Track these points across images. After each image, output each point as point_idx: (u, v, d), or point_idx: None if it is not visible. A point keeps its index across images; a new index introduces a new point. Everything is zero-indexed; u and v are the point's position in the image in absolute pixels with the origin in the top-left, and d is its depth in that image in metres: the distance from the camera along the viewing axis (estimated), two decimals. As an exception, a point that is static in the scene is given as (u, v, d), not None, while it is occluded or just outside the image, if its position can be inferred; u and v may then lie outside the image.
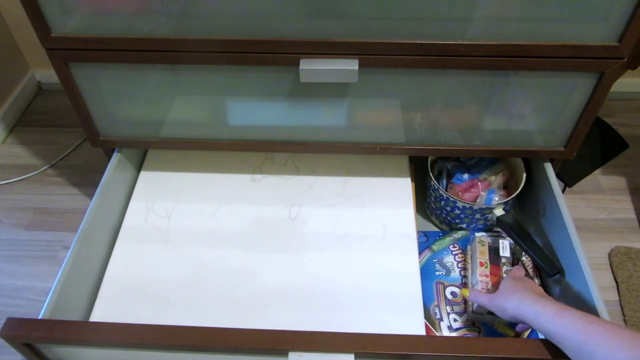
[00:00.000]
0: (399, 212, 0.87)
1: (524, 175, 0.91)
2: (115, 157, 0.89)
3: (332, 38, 0.68)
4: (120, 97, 0.79)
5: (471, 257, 0.86)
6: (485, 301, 0.71)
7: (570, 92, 0.73)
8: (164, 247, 0.83)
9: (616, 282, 1.01)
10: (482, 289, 0.79)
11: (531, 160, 0.93)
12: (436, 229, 0.99)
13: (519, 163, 0.93)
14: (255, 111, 0.79)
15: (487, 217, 0.90)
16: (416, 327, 0.73)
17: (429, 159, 0.96)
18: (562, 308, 0.58)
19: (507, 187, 0.95)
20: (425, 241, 0.93)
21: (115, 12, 0.67)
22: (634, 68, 0.84)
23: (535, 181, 0.90)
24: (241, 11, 0.66)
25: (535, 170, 0.91)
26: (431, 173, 0.94)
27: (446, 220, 0.95)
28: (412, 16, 0.65)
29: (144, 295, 0.77)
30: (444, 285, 0.85)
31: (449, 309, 0.82)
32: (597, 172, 1.22)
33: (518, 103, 0.76)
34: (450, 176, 0.96)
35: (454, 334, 0.79)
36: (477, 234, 0.88)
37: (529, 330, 0.78)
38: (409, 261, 0.80)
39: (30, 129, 1.39)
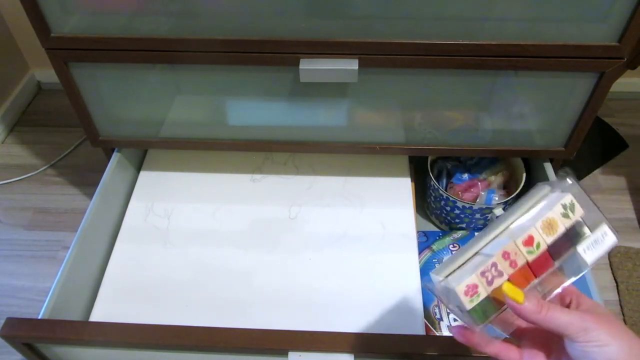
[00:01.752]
0: (398, 212, 0.87)
1: (524, 175, 0.91)
2: (115, 157, 0.89)
3: (332, 38, 0.68)
4: (120, 97, 0.79)
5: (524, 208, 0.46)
6: (567, 320, 0.39)
7: (570, 92, 0.73)
8: (163, 247, 0.83)
9: (616, 282, 1.01)
10: (483, 277, 0.43)
11: (531, 160, 0.93)
12: (436, 229, 0.99)
13: (519, 163, 0.93)
14: (255, 111, 0.79)
15: (487, 217, 0.90)
16: (416, 327, 0.73)
17: (429, 159, 0.96)
18: None
19: (507, 187, 0.95)
20: (425, 241, 0.93)
21: (115, 12, 0.67)
22: (634, 68, 0.85)
23: (535, 181, 0.90)
24: (241, 11, 0.66)
25: (535, 170, 0.91)
26: (431, 173, 0.94)
27: (446, 220, 0.95)
28: (412, 16, 0.65)
29: (144, 295, 0.77)
30: (443, 285, 0.85)
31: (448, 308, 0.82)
32: (597, 172, 1.22)
33: (518, 103, 0.76)
34: (450, 176, 0.96)
35: (453, 334, 0.79)
36: (564, 194, 0.45)
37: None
38: (409, 261, 0.80)
39: (30, 129, 1.39)
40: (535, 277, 0.44)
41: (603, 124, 1.16)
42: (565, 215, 0.44)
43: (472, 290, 0.42)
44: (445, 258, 0.42)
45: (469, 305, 0.42)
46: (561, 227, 0.44)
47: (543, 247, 0.43)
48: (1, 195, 1.22)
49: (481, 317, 0.43)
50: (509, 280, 0.43)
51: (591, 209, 0.45)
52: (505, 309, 0.44)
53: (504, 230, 0.45)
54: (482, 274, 0.42)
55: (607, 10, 0.63)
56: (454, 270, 0.44)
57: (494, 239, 0.45)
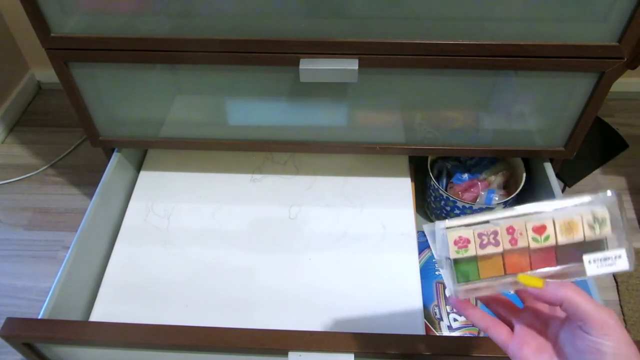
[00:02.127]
0: (398, 212, 0.87)
1: (524, 175, 0.91)
2: (115, 157, 0.89)
3: (332, 38, 0.67)
4: (120, 97, 0.79)
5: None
6: (591, 309, 0.38)
7: (570, 92, 0.73)
8: (163, 247, 0.83)
9: (616, 282, 1.01)
10: (479, 238, 0.43)
11: (531, 160, 0.93)
12: (436, 229, 0.99)
13: (519, 163, 0.93)
14: (255, 111, 0.79)
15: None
16: (416, 327, 0.73)
17: (429, 159, 0.96)
18: None
19: (507, 187, 0.95)
20: (425, 241, 0.93)
21: (115, 12, 0.67)
22: (634, 68, 0.85)
23: (535, 181, 0.90)
24: (241, 11, 0.66)
25: (535, 170, 0.91)
26: (431, 173, 0.94)
27: (446, 220, 0.95)
28: (412, 16, 0.65)
29: (144, 295, 0.77)
30: (443, 285, 0.85)
31: (448, 308, 0.82)
32: (596, 171, 1.22)
33: (518, 103, 0.76)
34: (450, 176, 0.96)
35: (453, 334, 0.79)
36: (601, 206, 0.43)
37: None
38: (409, 261, 0.80)
39: (30, 129, 1.39)
40: (531, 269, 0.43)
41: (603, 124, 1.16)
42: (591, 227, 0.42)
43: (463, 242, 0.42)
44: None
45: (453, 255, 0.42)
46: (580, 235, 0.41)
47: (551, 242, 0.42)
48: (1, 195, 1.22)
49: (462, 276, 0.43)
50: (502, 256, 0.42)
51: (621, 228, 0.42)
52: (490, 287, 0.44)
53: (524, 214, 0.43)
54: (479, 235, 0.42)
55: (607, 10, 0.63)
56: (459, 226, 0.44)
57: (510, 217, 0.43)
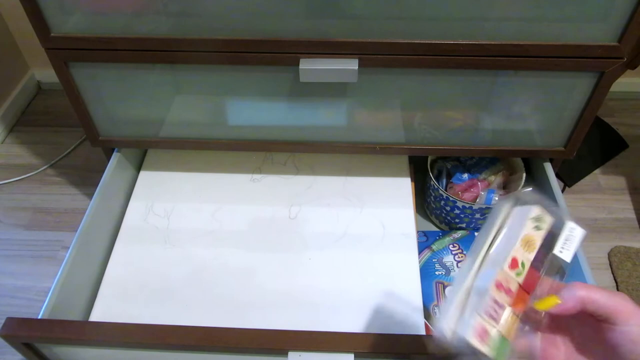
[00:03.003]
0: (398, 212, 0.87)
1: (524, 175, 0.91)
2: (115, 157, 0.89)
3: (332, 38, 0.68)
4: (120, 97, 0.79)
5: (498, 235, 0.45)
6: (612, 303, 0.39)
7: (570, 92, 0.73)
8: (163, 247, 0.83)
9: (616, 282, 1.01)
10: (489, 317, 0.42)
11: (531, 160, 0.93)
12: (436, 229, 0.99)
13: (519, 163, 0.93)
14: (255, 111, 0.79)
15: (487, 216, 0.90)
16: (416, 327, 0.73)
17: (429, 159, 0.96)
18: None
19: (506, 187, 0.95)
20: (425, 241, 0.93)
21: (115, 12, 0.67)
22: (633, 68, 0.85)
23: (535, 181, 0.90)
24: (241, 11, 0.66)
25: (535, 170, 0.91)
26: (431, 173, 0.94)
27: (446, 220, 0.95)
28: (412, 16, 0.65)
29: (144, 295, 0.77)
30: (443, 285, 0.85)
31: (448, 308, 0.81)
32: (596, 171, 1.22)
33: (518, 103, 0.76)
34: (450, 176, 0.97)
35: (453, 334, 0.79)
36: (529, 207, 0.46)
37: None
38: (409, 261, 0.80)
39: (30, 129, 1.39)
40: (529, 294, 0.44)
41: (603, 124, 1.17)
42: (538, 228, 0.45)
43: (483, 334, 0.41)
44: (442, 304, 0.43)
45: (491, 352, 0.41)
46: (538, 241, 0.44)
47: (527, 265, 0.44)
48: (1, 195, 1.22)
49: (501, 355, 0.42)
50: (511, 307, 0.43)
51: (556, 210, 0.45)
52: (522, 337, 0.43)
53: (484, 257, 0.44)
54: (487, 314, 0.42)
55: (607, 10, 0.63)
56: (458, 318, 0.43)
57: (479, 270, 0.44)
